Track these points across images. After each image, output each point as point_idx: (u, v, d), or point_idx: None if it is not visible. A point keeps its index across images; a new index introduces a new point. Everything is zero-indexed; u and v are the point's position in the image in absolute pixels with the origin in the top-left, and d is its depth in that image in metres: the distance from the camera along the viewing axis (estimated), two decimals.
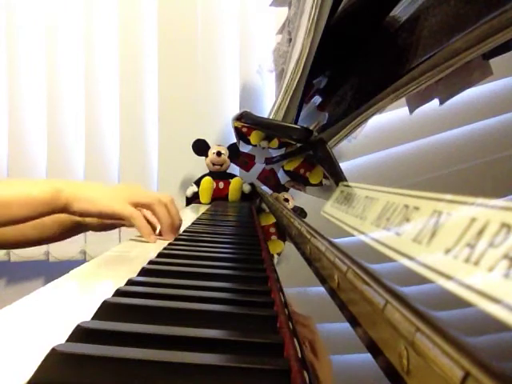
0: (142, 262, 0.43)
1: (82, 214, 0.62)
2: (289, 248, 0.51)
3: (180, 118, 1.58)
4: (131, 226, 0.65)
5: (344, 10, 0.65)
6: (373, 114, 0.44)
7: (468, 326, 0.13)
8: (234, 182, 1.45)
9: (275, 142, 0.81)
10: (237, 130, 0.87)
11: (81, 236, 1.53)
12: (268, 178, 1.07)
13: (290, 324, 0.29)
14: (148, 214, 0.69)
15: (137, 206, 0.66)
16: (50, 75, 1.58)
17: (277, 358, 0.24)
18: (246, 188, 1.46)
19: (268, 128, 0.73)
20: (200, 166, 1.51)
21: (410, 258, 0.18)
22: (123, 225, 0.76)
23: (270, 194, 0.94)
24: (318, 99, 0.82)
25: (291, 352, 0.24)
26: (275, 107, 0.75)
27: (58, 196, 0.59)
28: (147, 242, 0.64)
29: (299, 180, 0.72)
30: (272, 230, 0.73)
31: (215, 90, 1.59)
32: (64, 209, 0.60)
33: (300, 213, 0.56)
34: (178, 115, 1.58)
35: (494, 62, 0.26)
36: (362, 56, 0.60)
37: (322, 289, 0.28)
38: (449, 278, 0.15)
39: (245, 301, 0.33)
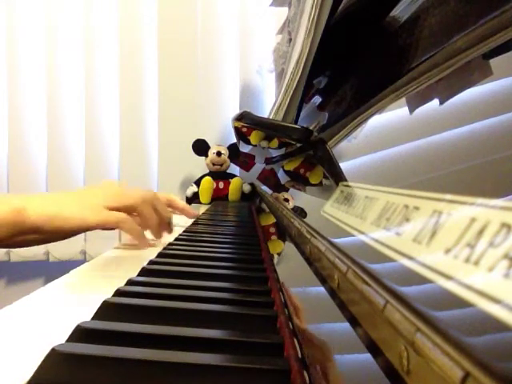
0: (142, 262, 0.43)
1: (56, 234, 0.53)
2: (289, 248, 0.51)
3: (180, 118, 1.58)
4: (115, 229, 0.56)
5: (344, 10, 0.65)
6: (373, 114, 0.44)
7: (468, 326, 0.13)
8: (234, 182, 1.45)
9: (275, 142, 0.81)
10: (237, 129, 0.87)
11: (81, 236, 1.53)
12: (268, 177, 1.07)
13: (290, 324, 0.29)
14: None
15: (117, 210, 0.55)
16: (50, 75, 1.58)
17: (277, 358, 0.24)
18: (246, 188, 1.46)
19: (268, 128, 0.73)
20: (200, 166, 1.51)
21: (410, 258, 0.18)
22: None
23: (270, 194, 0.94)
24: (318, 99, 0.82)
25: (291, 352, 0.24)
26: (275, 107, 0.75)
27: (21, 216, 0.50)
28: None
29: (299, 180, 0.72)
30: (272, 229, 0.73)
31: (215, 90, 1.59)
32: (36, 230, 0.52)
33: (300, 213, 0.56)
34: (178, 115, 1.58)
35: (494, 62, 0.26)
36: (362, 56, 0.60)
37: (322, 289, 0.28)
38: (449, 278, 0.15)
39: (245, 301, 0.33)
